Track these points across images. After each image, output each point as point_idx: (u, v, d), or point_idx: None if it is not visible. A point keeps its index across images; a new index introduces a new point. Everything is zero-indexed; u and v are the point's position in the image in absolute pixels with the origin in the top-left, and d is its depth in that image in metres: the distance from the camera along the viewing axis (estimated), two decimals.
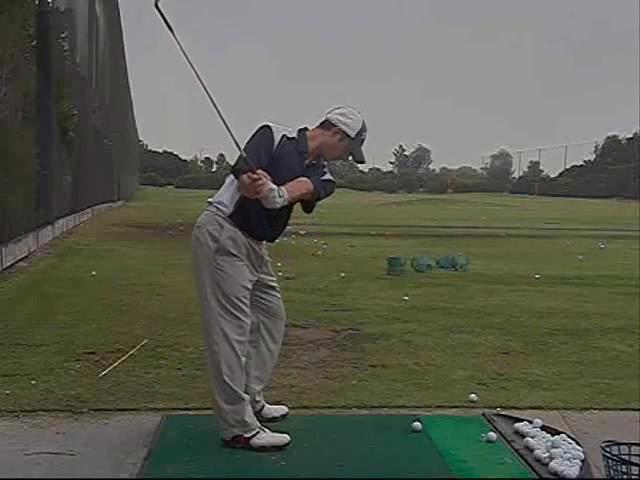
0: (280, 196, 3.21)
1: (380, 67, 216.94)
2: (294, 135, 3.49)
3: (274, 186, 3.20)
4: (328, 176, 3.57)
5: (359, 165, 3.89)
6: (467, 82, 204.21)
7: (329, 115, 3.59)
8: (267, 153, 3.36)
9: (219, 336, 3.33)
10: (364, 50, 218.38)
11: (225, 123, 3.18)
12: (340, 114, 3.57)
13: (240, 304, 3.35)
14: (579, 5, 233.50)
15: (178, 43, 3.10)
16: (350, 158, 3.65)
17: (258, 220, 3.38)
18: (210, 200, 3.47)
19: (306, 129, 3.58)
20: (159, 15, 3.11)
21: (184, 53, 3.12)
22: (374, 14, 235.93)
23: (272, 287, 3.67)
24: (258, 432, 3.38)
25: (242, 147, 3.25)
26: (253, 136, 3.39)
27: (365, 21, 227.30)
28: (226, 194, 3.42)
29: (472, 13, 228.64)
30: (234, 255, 3.35)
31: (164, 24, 3.12)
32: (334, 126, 3.55)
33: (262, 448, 3.34)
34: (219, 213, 3.38)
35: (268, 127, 3.41)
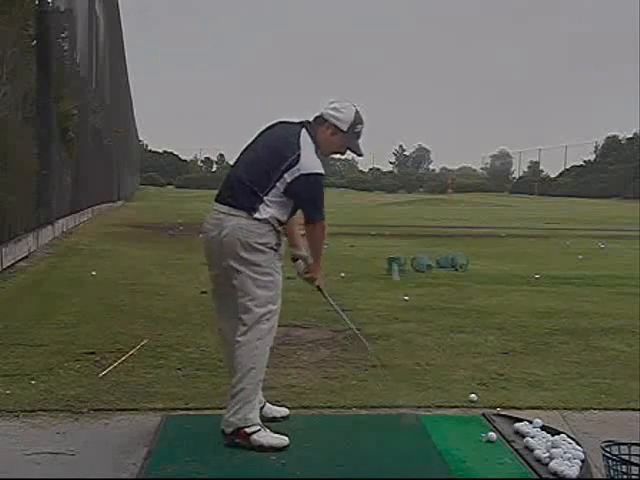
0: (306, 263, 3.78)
1: (381, 66, 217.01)
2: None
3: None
4: (311, 169, 3.44)
5: (358, 158, 3.94)
6: (467, 82, 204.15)
7: (323, 110, 3.63)
8: None
9: (265, 331, 3.42)
10: (365, 49, 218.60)
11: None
12: (332, 109, 3.61)
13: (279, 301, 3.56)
14: (581, 4, 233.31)
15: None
16: (349, 152, 3.70)
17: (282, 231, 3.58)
18: (258, 217, 3.41)
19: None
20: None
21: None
22: (377, 12, 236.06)
23: None
24: (259, 429, 3.38)
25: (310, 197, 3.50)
26: (315, 186, 3.46)
27: (366, 20, 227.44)
28: (275, 211, 3.44)
29: (472, 13, 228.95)
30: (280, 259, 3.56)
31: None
32: (326, 121, 3.58)
33: (261, 447, 3.34)
34: (273, 223, 3.46)
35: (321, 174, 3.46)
